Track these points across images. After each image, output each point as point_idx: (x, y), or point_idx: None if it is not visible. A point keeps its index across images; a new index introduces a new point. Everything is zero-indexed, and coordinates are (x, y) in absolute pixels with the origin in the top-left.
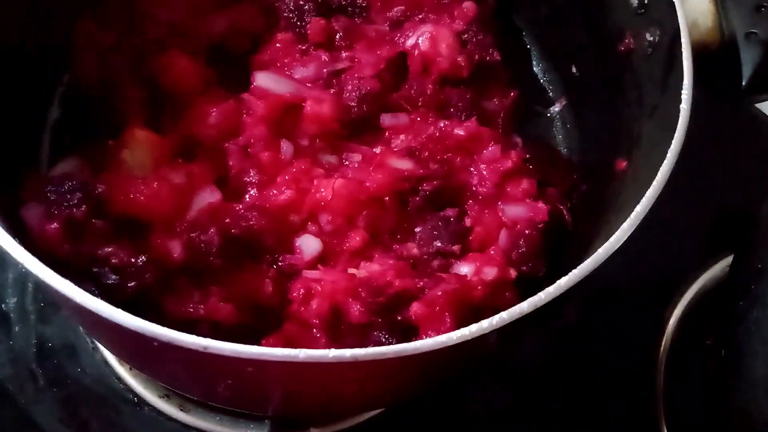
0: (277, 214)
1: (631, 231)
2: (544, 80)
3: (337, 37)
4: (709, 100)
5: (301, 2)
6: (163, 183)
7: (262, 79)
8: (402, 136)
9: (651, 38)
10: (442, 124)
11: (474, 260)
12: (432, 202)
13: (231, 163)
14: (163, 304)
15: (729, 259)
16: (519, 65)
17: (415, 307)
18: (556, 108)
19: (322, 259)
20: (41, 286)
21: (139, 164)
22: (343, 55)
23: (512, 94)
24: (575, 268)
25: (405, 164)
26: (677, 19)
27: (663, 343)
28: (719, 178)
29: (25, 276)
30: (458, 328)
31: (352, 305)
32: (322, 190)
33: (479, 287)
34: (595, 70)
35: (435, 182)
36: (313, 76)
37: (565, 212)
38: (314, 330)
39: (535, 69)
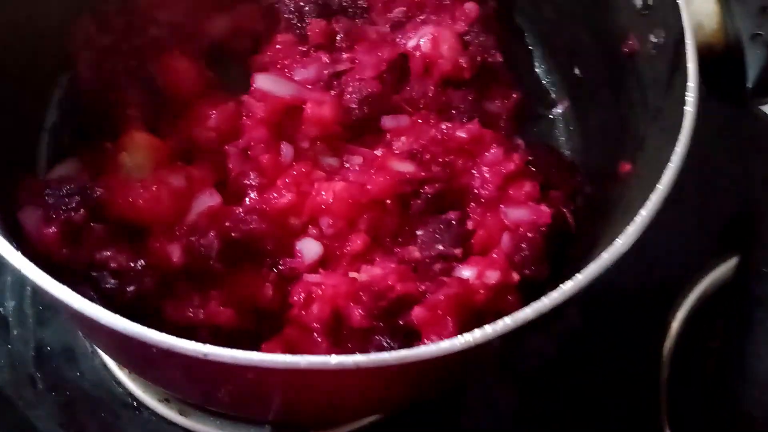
0: (278, 217)
1: (637, 236)
2: (546, 82)
3: (338, 38)
4: (714, 102)
5: (301, 3)
6: (163, 186)
7: (262, 81)
8: (403, 139)
9: (655, 40)
10: (443, 126)
11: (476, 264)
12: (434, 205)
13: (231, 166)
14: (162, 309)
15: (733, 261)
16: (521, 66)
17: (417, 312)
18: (558, 110)
19: (322, 263)
20: (39, 291)
21: (138, 167)
22: (344, 56)
23: (515, 95)
24: (579, 271)
25: (406, 167)
26: (682, 21)
27: (666, 344)
28: (724, 180)
29: (23, 279)
30: (460, 332)
31: (354, 309)
32: (323, 193)
33: (481, 291)
34: (598, 71)
35: (437, 185)
36: (314, 77)
37: (568, 215)
38: (315, 334)
39: (537, 70)
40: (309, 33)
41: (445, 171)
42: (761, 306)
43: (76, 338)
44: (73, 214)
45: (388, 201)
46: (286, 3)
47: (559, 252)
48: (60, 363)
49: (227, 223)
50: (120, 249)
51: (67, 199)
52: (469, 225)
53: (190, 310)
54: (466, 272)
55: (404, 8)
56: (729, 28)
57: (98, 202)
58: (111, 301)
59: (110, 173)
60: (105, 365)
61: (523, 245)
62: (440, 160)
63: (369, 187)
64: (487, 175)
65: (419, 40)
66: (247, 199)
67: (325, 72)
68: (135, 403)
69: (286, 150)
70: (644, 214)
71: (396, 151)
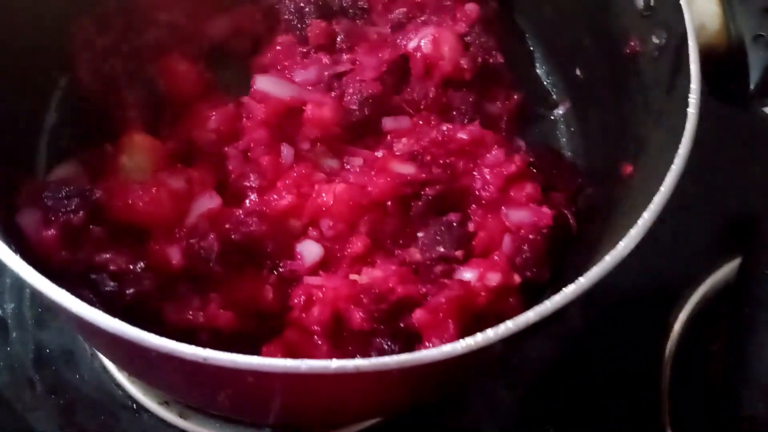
0: (278, 219)
1: (639, 239)
2: (547, 82)
3: (338, 39)
4: (715, 102)
5: (301, 4)
6: (162, 188)
7: (262, 83)
8: (404, 140)
9: (657, 41)
10: (444, 128)
11: (477, 266)
12: (434, 206)
13: (231, 167)
14: (162, 311)
15: (735, 263)
16: (522, 67)
17: (418, 314)
18: (560, 111)
19: (323, 265)
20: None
21: (138, 169)
22: (344, 57)
23: (516, 96)
24: (581, 274)
25: (407, 168)
26: (684, 22)
27: (668, 347)
28: (726, 182)
29: (22, 281)
30: (461, 334)
31: (354, 312)
32: (323, 194)
33: (483, 293)
34: (599, 72)
35: (437, 187)
36: (314, 79)
37: (570, 217)
38: (315, 337)
39: (538, 71)
40: (309, 34)
41: (445, 172)
42: (763, 308)
43: (75, 341)
44: (72, 216)
45: (389, 203)
46: (287, 4)
47: (561, 254)
48: (59, 365)
49: (227, 225)
50: (119, 251)
51: (66, 201)
52: (470, 227)
53: (190, 312)
54: (467, 274)
55: (405, 9)
56: (731, 30)
57: (97, 204)
58: (110, 304)
59: (110, 175)
60: (104, 368)
61: (524, 247)
62: (441, 161)
63: (369, 188)
64: (488, 177)
65: (420, 41)
66: (247, 201)
67: (326, 73)
68: (135, 406)
69: (287, 152)
70: (647, 217)
71: (397, 153)
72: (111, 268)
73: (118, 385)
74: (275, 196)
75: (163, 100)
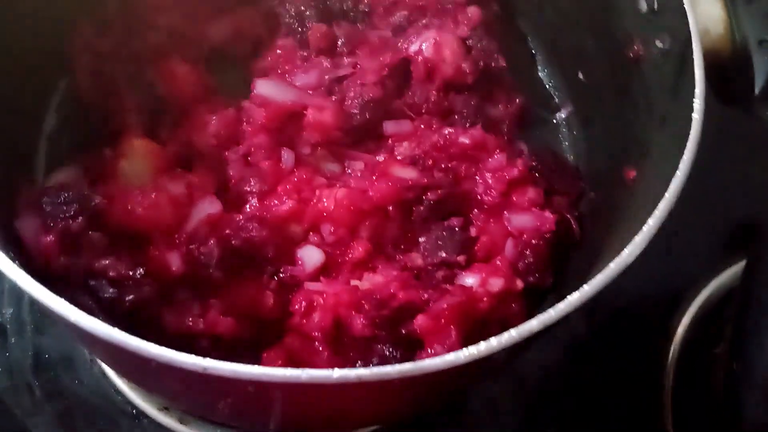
0: (278, 224)
1: (644, 246)
2: (549, 86)
3: (339, 43)
4: (719, 106)
5: (302, 7)
6: (162, 193)
7: (263, 87)
8: (405, 144)
9: (661, 45)
10: (446, 132)
11: (480, 271)
12: (436, 211)
13: (231, 172)
14: (162, 318)
15: (738, 267)
16: (524, 71)
17: (420, 321)
18: (562, 114)
19: (324, 271)
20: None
21: (138, 174)
22: (345, 61)
23: (518, 100)
24: (584, 279)
25: (409, 173)
26: (688, 26)
27: (671, 350)
28: (731, 186)
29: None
30: (464, 340)
31: (355, 318)
32: (324, 199)
33: (485, 299)
34: (602, 76)
35: (439, 191)
36: (315, 83)
37: (572, 221)
38: (316, 343)
39: (540, 74)
40: (310, 38)
41: (447, 177)
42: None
43: (74, 346)
44: (71, 222)
45: (390, 207)
46: (287, 7)
47: (563, 258)
48: (58, 371)
49: (227, 231)
50: (119, 257)
51: (65, 207)
52: (472, 232)
53: (190, 319)
54: (470, 280)
55: (406, 12)
56: (736, 34)
57: (97, 209)
58: (110, 311)
59: (109, 180)
60: (104, 373)
61: (527, 252)
62: (443, 165)
63: (371, 193)
64: (490, 181)
65: (421, 45)
66: (247, 206)
67: (327, 77)
68: (134, 412)
69: (287, 156)
70: (651, 224)
71: (398, 157)
72: (110, 274)
73: (118, 391)
74: (276, 201)
75: (162, 104)
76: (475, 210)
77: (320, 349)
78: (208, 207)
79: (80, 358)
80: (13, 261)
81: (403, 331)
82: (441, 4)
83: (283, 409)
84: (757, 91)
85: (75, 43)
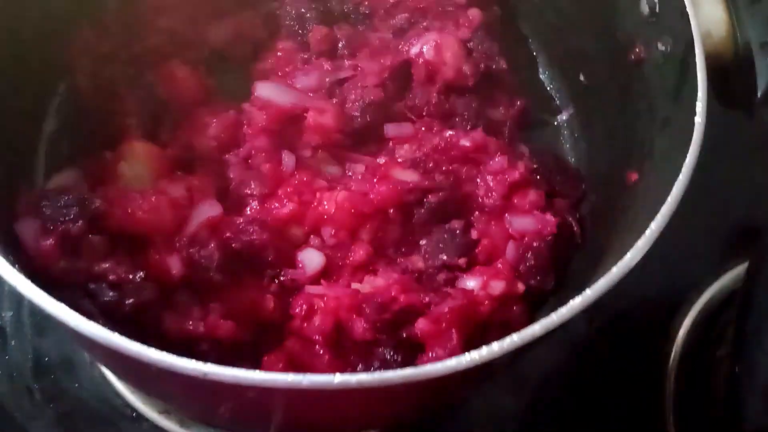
0: (279, 227)
1: (646, 249)
2: (551, 88)
3: (340, 45)
4: (720, 109)
5: (302, 10)
6: (162, 196)
7: (263, 89)
8: (406, 147)
9: (663, 48)
10: (447, 134)
11: (481, 274)
12: (437, 214)
13: (231, 175)
14: (162, 321)
15: (740, 269)
16: (525, 73)
17: (421, 324)
18: (563, 117)
19: (324, 274)
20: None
21: (138, 177)
22: (346, 63)
23: (519, 102)
24: (585, 282)
25: (409, 176)
26: (690, 29)
27: (673, 353)
28: (732, 189)
29: None
30: (465, 344)
31: (356, 322)
32: (325, 202)
33: (486, 302)
34: (604, 78)
35: (440, 194)
36: (316, 85)
37: (574, 224)
38: (317, 347)
39: (541, 77)
40: (310, 40)
41: (448, 179)
42: None
43: (74, 349)
44: (71, 225)
45: (391, 210)
46: (287, 9)
47: (565, 261)
48: (58, 374)
49: (228, 234)
50: (119, 261)
51: (65, 210)
52: (474, 234)
53: (190, 322)
54: (471, 283)
55: (407, 14)
56: (738, 37)
57: (97, 213)
58: (110, 314)
59: (109, 183)
60: (104, 376)
61: (528, 255)
62: (444, 168)
63: (371, 196)
64: (491, 184)
65: (422, 47)
66: (247, 209)
67: (327, 79)
68: (135, 415)
69: (288, 159)
70: (654, 228)
71: (399, 160)
72: (110, 277)
73: (118, 394)
74: (276, 204)
75: (163, 107)
76: (476, 213)
77: (321, 352)
78: (209, 210)
79: (80, 361)
80: (13, 265)
81: (404, 335)
82: (442, 7)
83: (283, 414)
84: (759, 94)
85: (75, 45)
